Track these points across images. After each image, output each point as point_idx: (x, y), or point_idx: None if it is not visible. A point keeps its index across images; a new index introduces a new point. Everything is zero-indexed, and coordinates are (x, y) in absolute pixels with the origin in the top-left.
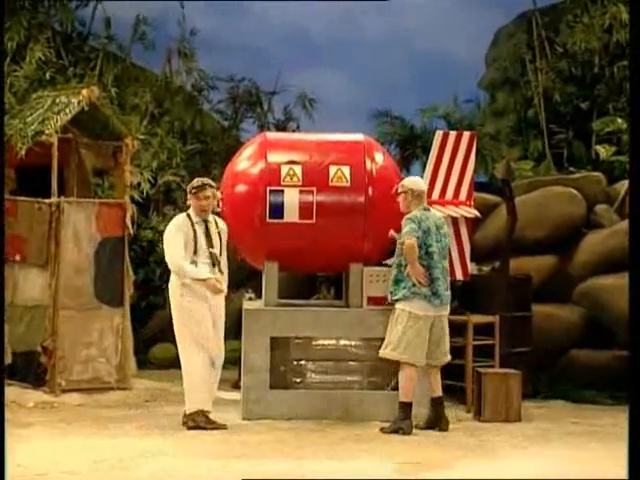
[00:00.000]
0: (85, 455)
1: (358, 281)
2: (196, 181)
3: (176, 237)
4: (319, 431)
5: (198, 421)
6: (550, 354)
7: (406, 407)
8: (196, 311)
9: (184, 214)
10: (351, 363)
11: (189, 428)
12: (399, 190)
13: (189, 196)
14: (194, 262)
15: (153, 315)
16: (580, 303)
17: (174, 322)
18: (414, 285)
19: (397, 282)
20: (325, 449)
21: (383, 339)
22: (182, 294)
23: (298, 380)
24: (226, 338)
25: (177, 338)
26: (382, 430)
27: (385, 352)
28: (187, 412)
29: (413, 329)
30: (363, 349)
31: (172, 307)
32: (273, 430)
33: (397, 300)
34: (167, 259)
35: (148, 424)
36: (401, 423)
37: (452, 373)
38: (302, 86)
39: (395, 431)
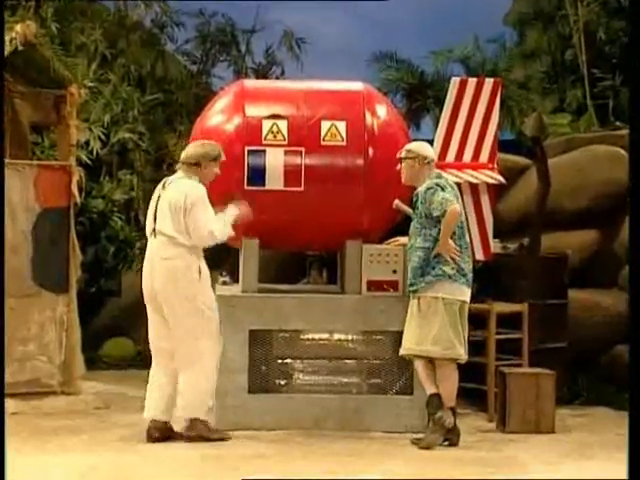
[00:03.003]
0: (22, 476)
1: (356, 262)
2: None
3: (209, 205)
4: (309, 444)
5: (200, 429)
6: (590, 351)
7: (452, 414)
8: (210, 297)
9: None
10: (347, 362)
11: (190, 439)
12: (404, 155)
13: (210, 163)
14: None
15: (105, 303)
16: (628, 288)
17: (181, 310)
18: (433, 268)
19: (415, 269)
20: (316, 466)
21: (386, 332)
22: (199, 279)
23: (283, 382)
24: None
25: (186, 329)
26: (415, 442)
27: (423, 349)
28: (185, 418)
29: (452, 318)
30: (362, 344)
31: (179, 291)
32: (253, 443)
33: (416, 290)
34: (201, 229)
35: (100, 437)
36: (447, 433)
37: (470, 373)
38: (287, 23)
39: (439, 443)
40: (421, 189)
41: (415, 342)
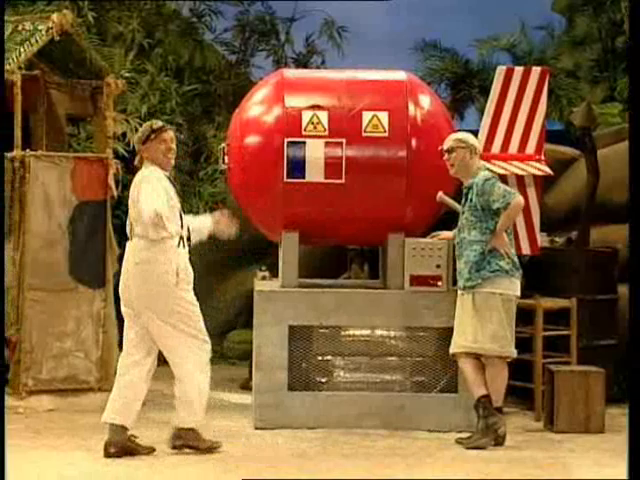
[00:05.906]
0: (58, 473)
1: (399, 256)
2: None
3: (159, 188)
4: (350, 443)
5: (188, 439)
6: None
7: (499, 413)
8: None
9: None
10: (390, 359)
11: (175, 447)
12: (454, 145)
13: (146, 146)
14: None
15: None
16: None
17: (159, 315)
18: (489, 263)
19: (472, 263)
20: (358, 466)
21: (429, 328)
22: (177, 282)
23: (324, 380)
24: (234, 327)
25: (167, 335)
26: (460, 442)
27: (480, 347)
28: (177, 427)
29: (508, 315)
30: (405, 341)
31: (155, 295)
32: (293, 442)
33: (473, 286)
34: (147, 212)
35: (136, 434)
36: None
37: (517, 371)
38: (328, 11)
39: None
40: (477, 180)
41: (472, 339)
